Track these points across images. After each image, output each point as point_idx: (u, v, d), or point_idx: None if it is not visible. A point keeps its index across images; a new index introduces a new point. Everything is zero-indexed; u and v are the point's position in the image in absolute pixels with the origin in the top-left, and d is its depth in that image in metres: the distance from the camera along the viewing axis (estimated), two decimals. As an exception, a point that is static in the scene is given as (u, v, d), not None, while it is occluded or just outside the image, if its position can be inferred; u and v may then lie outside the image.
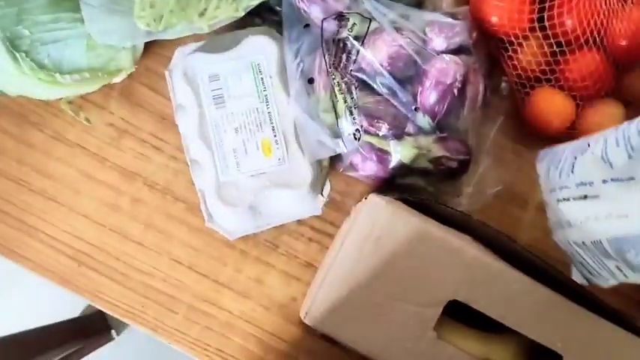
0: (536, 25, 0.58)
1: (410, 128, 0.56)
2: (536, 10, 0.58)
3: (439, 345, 0.49)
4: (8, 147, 0.61)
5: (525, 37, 0.59)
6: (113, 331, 1.11)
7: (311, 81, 0.54)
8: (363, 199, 0.52)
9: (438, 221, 0.51)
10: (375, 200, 0.50)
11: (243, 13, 0.55)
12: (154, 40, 0.58)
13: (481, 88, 0.58)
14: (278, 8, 0.59)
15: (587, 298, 0.50)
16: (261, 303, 0.61)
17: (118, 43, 0.52)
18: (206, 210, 0.57)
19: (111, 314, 0.60)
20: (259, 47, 0.56)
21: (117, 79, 0.59)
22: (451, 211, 0.53)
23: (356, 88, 0.54)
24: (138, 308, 0.60)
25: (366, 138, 0.55)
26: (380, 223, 0.49)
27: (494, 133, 0.60)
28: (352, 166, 0.59)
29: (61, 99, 0.59)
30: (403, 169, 0.57)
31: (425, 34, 0.56)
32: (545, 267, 0.51)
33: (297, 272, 0.61)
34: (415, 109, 0.55)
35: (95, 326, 1.03)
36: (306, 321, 0.50)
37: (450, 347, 0.49)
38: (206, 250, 0.61)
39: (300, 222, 0.61)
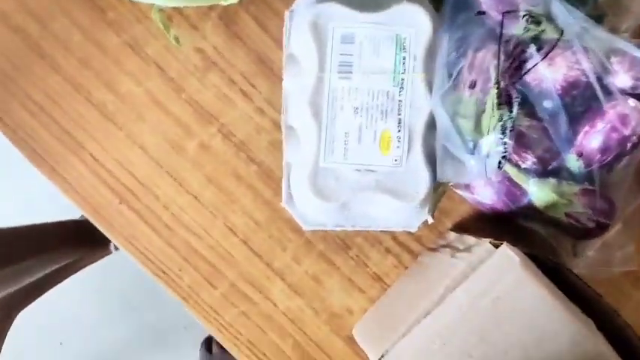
0: None
1: (556, 167, 0.46)
2: None
3: None
4: (74, 42, 0.51)
5: None
6: (112, 245, 1.03)
7: (473, 85, 0.44)
8: (487, 244, 0.42)
9: (564, 291, 0.42)
10: (508, 254, 0.40)
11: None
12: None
13: (649, 144, 0.48)
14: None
15: None
16: (313, 305, 0.52)
17: None
18: (287, 189, 0.48)
19: (141, 268, 0.52)
20: (411, 19, 0.45)
21: (225, 2, 0.48)
22: (582, 285, 0.43)
23: (517, 104, 0.44)
24: (174, 271, 0.52)
25: (506, 167, 0.45)
26: (506, 283, 0.40)
27: (640, 201, 0.50)
28: (467, 186, 0.49)
29: (153, 4, 0.48)
30: (530, 212, 0.47)
31: (610, 61, 0.45)
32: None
33: (362, 283, 0.53)
34: (570, 144, 0.45)
35: (94, 235, 0.94)
36: (353, 332, 0.42)
37: None
38: (268, 227, 0.52)
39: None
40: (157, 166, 0.51)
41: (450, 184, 0.50)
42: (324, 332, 0.52)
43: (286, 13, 0.48)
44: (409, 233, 0.52)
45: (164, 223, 0.52)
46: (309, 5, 0.46)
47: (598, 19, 0.49)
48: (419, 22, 0.45)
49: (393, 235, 0.52)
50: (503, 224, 0.50)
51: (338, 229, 0.49)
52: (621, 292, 0.53)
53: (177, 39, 0.50)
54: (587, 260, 0.50)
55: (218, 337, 0.52)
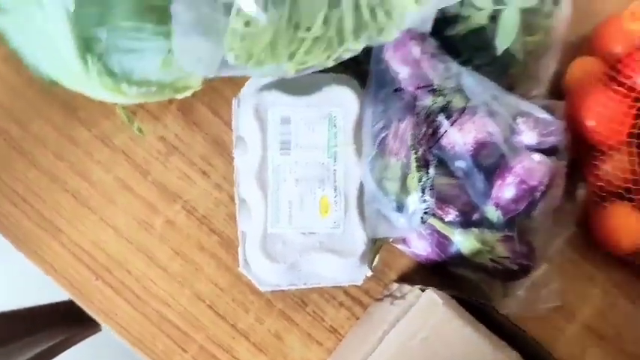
0: (633, 140, 0.54)
1: (476, 218, 0.52)
2: (639, 125, 0.54)
3: None
4: (50, 139, 0.57)
5: (618, 149, 0.55)
6: (101, 322, 1.07)
7: (396, 152, 0.50)
8: (417, 290, 0.48)
9: (489, 327, 0.47)
10: (431, 297, 0.46)
11: (332, 64, 0.51)
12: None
13: (560, 193, 0.54)
14: (366, 66, 0.55)
15: None
16: (277, 360, 0.57)
17: (202, 73, 0.48)
18: (243, 255, 0.54)
19: (120, 339, 0.56)
20: (340, 98, 0.52)
21: (181, 96, 0.55)
22: (507, 322, 0.49)
23: (434, 166, 0.51)
24: (148, 338, 0.57)
25: (431, 220, 0.52)
26: (431, 323, 0.45)
27: (562, 243, 0.56)
28: (404, 240, 0.55)
29: (115, 102, 0.55)
30: (459, 260, 0.53)
31: (516, 122, 0.52)
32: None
33: (320, 336, 0.58)
34: (487, 197, 0.51)
35: (83, 313, 0.98)
36: None
37: None
38: (231, 291, 0.57)
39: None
40: (128, 243, 0.57)
41: (390, 240, 0.56)
42: (288, 386, 0.57)
43: (234, 101, 0.55)
44: (358, 287, 0.57)
45: (136, 295, 0.57)
46: (252, 93, 0.53)
47: (509, 87, 0.57)
48: (347, 101, 0.52)
49: (345, 290, 0.58)
50: (439, 273, 0.56)
51: (292, 288, 0.54)
52: (555, 327, 0.58)
53: (140, 130, 0.57)
54: (517, 300, 0.55)
55: (191, 398, 0.57)
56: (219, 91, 0.58)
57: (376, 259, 0.54)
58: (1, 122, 0.57)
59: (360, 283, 0.55)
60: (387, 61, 0.53)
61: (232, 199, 0.57)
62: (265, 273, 0.53)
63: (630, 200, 0.56)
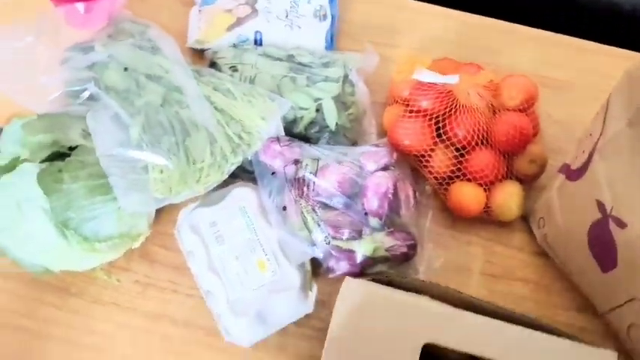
0: (437, 140, 0.80)
1: (366, 230, 0.74)
2: (434, 129, 0.79)
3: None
4: (56, 317, 0.76)
5: (432, 150, 0.80)
6: None
7: (285, 209, 0.73)
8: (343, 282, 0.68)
9: (402, 290, 0.67)
10: (350, 281, 0.66)
11: (226, 176, 0.75)
12: (163, 209, 0.78)
13: (410, 192, 0.78)
14: (250, 168, 0.79)
15: (528, 323, 0.65)
16: (281, 398, 0.74)
17: (142, 209, 0.71)
18: (224, 328, 0.72)
19: None
20: (243, 196, 0.75)
21: (137, 244, 0.77)
22: (410, 281, 0.69)
23: (319, 208, 0.73)
24: None
25: (334, 243, 0.73)
26: (356, 300, 0.65)
27: (428, 223, 0.78)
28: (330, 269, 0.76)
29: (94, 268, 0.76)
30: (369, 261, 0.74)
31: (359, 161, 0.76)
32: (490, 307, 0.67)
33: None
34: (365, 214, 0.74)
35: None
36: None
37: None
38: (228, 364, 0.75)
39: (299, 325, 0.76)
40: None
41: (322, 274, 0.77)
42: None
43: (175, 231, 0.77)
44: (318, 318, 0.76)
45: (160, 398, 0.73)
46: (185, 217, 0.76)
47: (354, 143, 0.82)
48: (247, 195, 0.75)
49: (311, 326, 0.76)
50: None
51: (268, 335, 0.73)
52: (461, 282, 0.79)
53: (118, 280, 0.77)
54: (423, 274, 0.76)
55: None
56: (164, 231, 0.80)
57: (314, 286, 0.74)
58: (15, 321, 0.76)
59: (311, 309, 0.74)
60: (263, 161, 0.77)
61: (201, 298, 0.76)
62: (243, 331, 0.71)
63: (458, 177, 0.80)
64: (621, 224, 0.60)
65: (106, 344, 0.75)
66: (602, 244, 0.64)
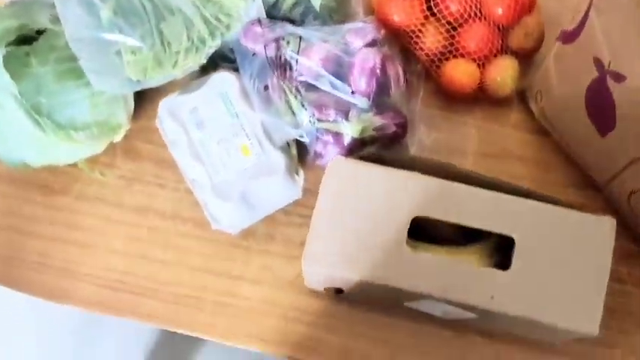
0: (428, 14, 0.75)
1: (353, 110, 0.71)
2: (425, 3, 0.75)
3: (415, 256, 0.61)
4: (40, 214, 0.75)
5: (423, 26, 0.75)
6: None
7: (266, 88, 0.70)
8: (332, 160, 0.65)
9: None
10: (336, 160, 0.63)
11: (205, 60, 0.72)
12: (143, 103, 0.75)
13: (400, 71, 0.74)
14: (231, 56, 0.76)
15: (526, 194, 0.62)
16: (273, 285, 0.72)
17: (115, 90, 0.67)
18: (210, 215, 0.70)
19: (151, 324, 0.71)
20: (223, 81, 0.72)
21: (118, 137, 0.74)
22: (401, 157, 0.66)
23: (303, 89, 0.70)
24: (172, 315, 0.71)
25: (320, 125, 0.70)
26: (344, 177, 0.63)
27: (420, 104, 0.75)
28: (318, 155, 0.73)
29: (75, 163, 0.74)
30: (357, 143, 0.71)
31: (345, 38, 0.72)
32: (487, 179, 0.64)
33: (295, 252, 0.73)
34: (352, 93, 0.70)
35: None
36: (305, 262, 0.62)
37: (424, 255, 0.61)
38: (217, 253, 0.73)
39: (287, 213, 0.74)
40: (129, 256, 0.74)
41: (310, 161, 0.74)
42: (293, 297, 0.72)
43: (156, 121, 0.74)
44: (306, 206, 0.74)
45: (151, 288, 0.72)
46: (165, 107, 0.73)
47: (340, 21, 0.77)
48: (228, 80, 0.72)
49: (298, 213, 0.74)
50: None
51: (255, 221, 0.71)
52: (457, 163, 0.76)
53: (102, 173, 0.75)
54: (419, 151, 0.73)
55: (224, 342, 0.71)
56: (147, 126, 0.77)
57: (300, 171, 0.72)
58: (1, 221, 0.75)
59: (299, 195, 0.72)
60: (243, 45, 0.74)
61: (188, 192, 0.74)
62: (229, 217, 0.69)
63: (451, 54, 0.76)
64: (619, 78, 0.57)
65: (93, 239, 0.74)
66: (600, 105, 0.61)
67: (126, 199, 0.76)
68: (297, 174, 0.70)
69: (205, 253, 0.73)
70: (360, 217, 0.62)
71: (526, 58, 0.78)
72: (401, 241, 0.61)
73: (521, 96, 0.78)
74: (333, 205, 0.62)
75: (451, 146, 0.77)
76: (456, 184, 0.62)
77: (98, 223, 0.75)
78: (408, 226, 0.61)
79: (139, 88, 0.68)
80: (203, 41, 0.72)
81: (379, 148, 0.72)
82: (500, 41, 0.76)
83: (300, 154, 0.74)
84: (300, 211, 0.74)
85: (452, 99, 0.78)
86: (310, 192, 0.74)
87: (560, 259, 0.60)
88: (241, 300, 0.72)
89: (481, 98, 0.77)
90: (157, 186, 0.76)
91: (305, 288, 0.72)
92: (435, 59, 0.76)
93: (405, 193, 0.62)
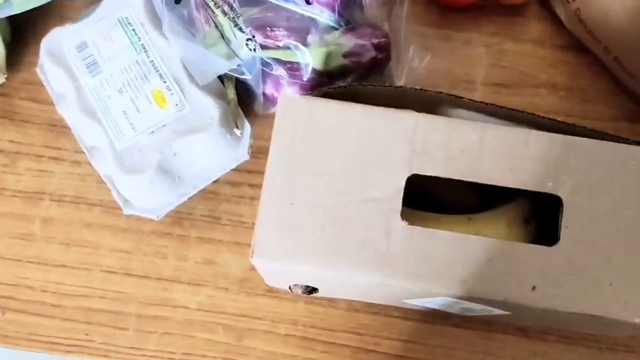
0: None
1: (312, 29, 0.49)
2: None
3: (414, 233, 0.40)
4: None
5: None
6: None
7: (177, 1, 0.48)
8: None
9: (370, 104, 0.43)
10: (289, 98, 0.42)
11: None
12: (23, 50, 0.53)
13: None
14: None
15: (569, 131, 0.42)
16: (218, 285, 0.52)
17: None
18: (119, 196, 0.49)
19: (54, 355, 0.51)
20: (121, 1, 0.50)
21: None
22: (382, 89, 0.45)
23: (236, 1, 0.48)
24: (82, 338, 0.51)
25: (267, 54, 0.49)
26: (301, 120, 0.42)
27: (405, 17, 0.53)
28: (269, 100, 0.52)
29: None
30: (321, 78, 0.50)
31: None
32: (508, 112, 0.44)
33: (248, 238, 0.52)
34: (308, 2, 0.48)
35: None
36: (254, 259, 0.41)
37: (427, 231, 0.40)
38: (138, 248, 0.53)
39: (235, 184, 0.53)
40: (17, 262, 0.53)
41: (260, 111, 0.53)
42: (243, 300, 0.52)
43: (37, 70, 0.52)
44: (258, 173, 0.53)
45: (50, 304, 0.52)
46: (46, 43, 0.51)
47: None
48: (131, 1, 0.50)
49: (249, 183, 0.54)
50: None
51: (185, 198, 0.50)
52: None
53: (-33, 150, 0.53)
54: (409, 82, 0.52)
55: (156, 370, 0.51)
56: (29, 80, 0.55)
57: (245, 123, 0.50)
58: None
59: (246, 156, 0.51)
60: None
61: (91, 164, 0.53)
62: (145, 196, 0.48)
63: (445, -57, 0.54)
64: None
65: (-37, 241, 0.53)
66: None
67: (9, 182, 0.54)
68: (238, 126, 0.49)
69: (122, 248, 0.53)
70: (331, 183, 0.41)
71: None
72: (393, 213, 0.40)
73: (545, 0, 0.57)
74: (289, 168, 0.41)
75: (453, 74, 0.56)
76: (469, 123, 0.42)
77: (-30, 219, 0.53)
78: (403, 191, 0.41)
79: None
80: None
81: (352, 82, 0.51)
82: None
83: (242, 98, 0.52)
84: (251, 179, 0.54)
85: (450, 9, 0.57)
86: (262, 151, 0.53)
87: (628, 223, 0.40)
88: (176, 310, 0.51)
89: (489, 6, 0.56)
90: (50, 160, 0.55)
91: (262, 287, 0.52)
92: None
93: (396, 141, 0.41)
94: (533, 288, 0.40)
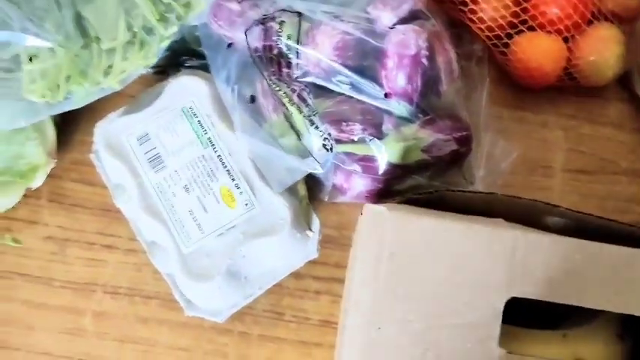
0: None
1: (388, 122, 0.46)
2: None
3: (515, 362, 0.37)
4: None
5: (482, -13, 0.50)
6: None
7: (253, 100, 0.45)
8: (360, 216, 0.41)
9: (458, 212, 0.40)
10: (374, 210, 0.39)
11: (155, 59, 0.47)
12: (74, 128, 0.50)
13: (452, 54, 0.49)
14: (196, 47, 0.50)
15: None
16: (284, 389, 0.49)
17: (8, 126, 0.42)
18: (181, 296, 0.46)
19: None
20: (186, 89, 0.47)
21: (36, 183, 0.49)
22: (470, 196, 0.42)
23: (309, 94, 0.45)
24: None
25: (341, 148, 0.46)
26: (388, 236, 0.38)
27: (485, 101, 0.50)
28: (338, 190, 0.49)
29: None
30: (397, 172, 0.47)
31: (368, 13, 0.47)
32: (605, 224, 0.40)
33: (314, 337, 0.50)
34: (385, 95, 0.45)
35: None
36: None
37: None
38: (199, 345, 0.49)
39: (298, 276, 0.50)
40: (68, 359, 0.49)
41: (327, 199, 0.50)
42: (312, 406, 0.48)
43: (91, 156, 0.49)
44: (325, 264, 0.50)
45: (105, 408, 0.49)
46: (102, 135, 0.48)
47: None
48: (193, 88, 0.47)
49: (314, 276, 0.50)
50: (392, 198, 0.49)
51: (250, 300, 0.47)
52: (540, 187, 0.52)
53: (16, 240, 0.50)
54: (482, 181, 0.49)
55: None
56: (81, 160, 0.52)
57: (315, 220, 0.47)
58: None
59: (315, 254, 0.48)
60: (215, 31, 0.48)
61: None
62: (210, 299, 0.45)
63: (525, 24, 0.51)
64: None
65: (10, 336, 0.50)
66: None
67: (58, 272, 0.51)
68: (311, 227, 0.46)
69: (181, 346, 0.50)
70: (422, 306, 0.38)
71: (628, 24, 0.53)
72: (490, 340, 0.37)
73: (625, 81, 0.54)
74: (375, 289, 0.38)
75: (532, 160, 0.53)
76: (568, 241, 0.38)
77: (19, 311, 0.50)
78: (501, 316, 0.37)
79: (47, 115, 0.43)
80: (151, 31, 0.47)
81: (430, 176, 0.48)
82: (593, 3, 0.51)
83: (309, 186, 0.49)
84: (317, 271, 0.51)
85: (524, 91, 0.53)
86: (330, 241, 0.51)
87: None
88: (239, 415, 0.48)
89: (568, 87, 0.53)
90: (103, 249, 0.51)
91: (332, 391, 0.48)
92: (502, 33, 0.51)
93: (494, 262, 0.38)
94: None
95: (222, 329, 0.49)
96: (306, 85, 0.46)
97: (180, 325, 0.50)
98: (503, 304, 0.37)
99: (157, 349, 0.49)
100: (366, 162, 0.47)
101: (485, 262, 0.38)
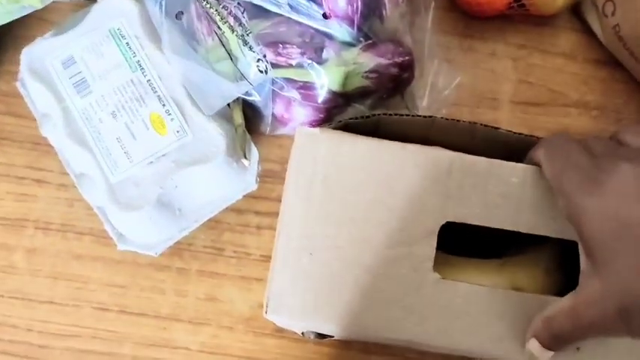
0: None
1: (330, 47, 0.44)
2: None
3: (447, 287, 0.36)
4: None
5: None
6: None
7: (180, 16, 0.42)
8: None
9: (394, 139, 0.38)
10: (307, 132, 0.37)
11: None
12: (3, 52, 0.47)
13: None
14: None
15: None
16: (222, 324, 0.47)
17: None
18: (113, 229, 0.44)
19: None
20: (114, 9, 0.44)
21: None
22: (408, 121, 0.40)
23: (243, 14, 0.42)
24: (71, 383, 0.46)
25: (279, 73, 0.43)
26: (321, 159, 0.37)
27: (429, 27, 0.48)
28: (279, 121, 0.47)
29: None
30: (338, 100, 0.45)
31: None
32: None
33: (255, 272, 0.48)
34: (324, 16, 0.43)
35: None
36: (269, 315, 0.37)
37: (462, 285, 0.36)
38: (134, 282, 0.48)
39: (239, 211, 0.49)
40: (5, 299, 0.48)
41: (267, 131, 0.48)
42: (250, 341, 0.47)
43: (17, 84, 0.47)
44: (267, 198, 0.49)
45: (37, 345, 0.47)
46: (26, 61, 0.45)
47: None
48: (121, 8, 0.44)
49: (255, 211, 0.49)
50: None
51: (186, 233, 0.45)
52: (487, 121, 0.50)
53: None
54: (426, 110, 0.47)
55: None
56: (9, 91, 0.49)
57: (253, 149, 0.45)
58: None
59: (254, 186, 0.46)
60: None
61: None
62: (143, 232, 0.43)
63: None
64: None
65: (-63, 274, 0.47)
66: None
67: (-14, 207, 0.49)
68: (247, 155, 0.44)
69: (116, 283, 0.48)
70: (355, 231, 0.36)
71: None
72: (424, 266, 0.36)
73: (576, 10, 0.52)
74: (307, 214, 0.37)
75: (477, 90, 0.51)
76: (505, 165, 0.37)
77: (-56, 249, 0.48)
78: (435, 241, 0.36)
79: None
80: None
81: (372, 103, 0.46)
82: None
83: (248, 117, 0.47)
84: (257, 206, 0.49)
85: (474, 19, 0.52)
86: (271, 175, 0.49)
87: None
88: (176, 352, 0.47)
89: (517, 16, 0.51)
90: (34, 183, 0.49)
91: (270, 326, 0.47)
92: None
93: (423, 183, 0.37)
94: (578, 349, 0.36)
95: (159, 265, 0.48)
96: (239, 3, 0.43)
97: (116, 262, 0.48)
98: (438, 228, 0.36)
99: (91, 285, 0.48)
100: (306, 90, 0.45)
101: (420, 185, 0.37)
